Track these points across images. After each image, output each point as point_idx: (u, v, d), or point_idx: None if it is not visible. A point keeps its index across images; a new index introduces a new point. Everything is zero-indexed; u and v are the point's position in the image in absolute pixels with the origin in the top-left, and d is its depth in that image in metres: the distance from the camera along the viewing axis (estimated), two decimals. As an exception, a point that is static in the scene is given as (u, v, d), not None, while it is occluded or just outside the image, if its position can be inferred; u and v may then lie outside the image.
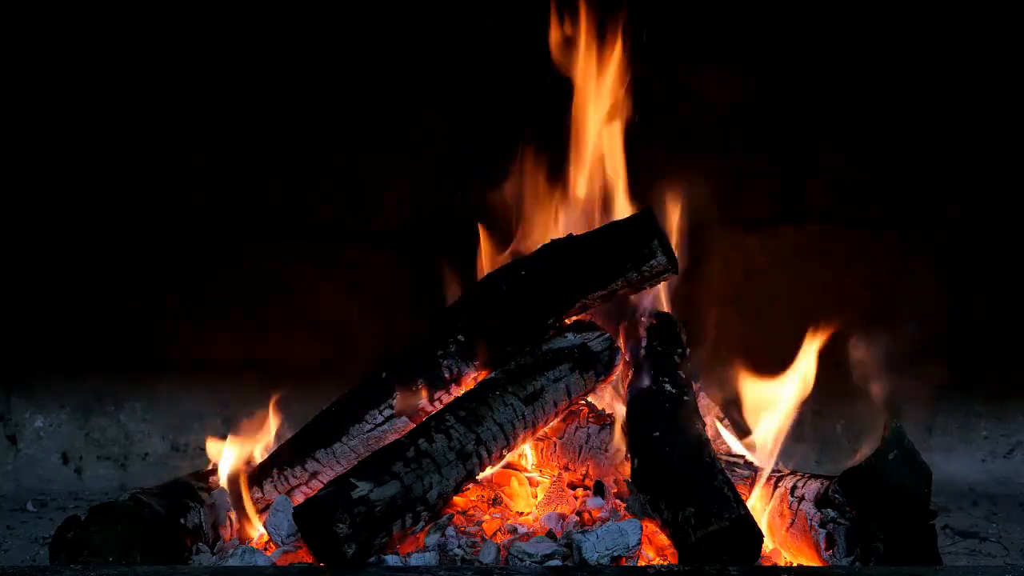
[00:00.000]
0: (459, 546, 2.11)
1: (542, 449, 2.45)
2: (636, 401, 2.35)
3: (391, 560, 2.02)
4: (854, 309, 2.96)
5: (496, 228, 2.67)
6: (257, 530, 2.29)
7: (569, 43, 2.70)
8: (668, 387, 2.34)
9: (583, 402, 2.44)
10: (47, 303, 3.23)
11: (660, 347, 2.49)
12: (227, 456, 2.36)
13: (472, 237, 2.67)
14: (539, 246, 2.54)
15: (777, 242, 3.27)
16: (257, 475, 2.35)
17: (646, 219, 2.39)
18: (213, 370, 3.23)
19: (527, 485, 2.39)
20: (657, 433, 2.18)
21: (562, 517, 2.24)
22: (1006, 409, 3.30)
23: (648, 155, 2.69)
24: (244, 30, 3.16)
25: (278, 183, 3.23)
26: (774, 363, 2.76)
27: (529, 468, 2.46)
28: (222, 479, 2.31)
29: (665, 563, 2.09)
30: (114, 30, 3.14)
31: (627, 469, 2.27)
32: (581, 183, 2.66)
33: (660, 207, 2.56)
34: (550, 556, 2.04)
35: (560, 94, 2.70)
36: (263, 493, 2.33)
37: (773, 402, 2.40)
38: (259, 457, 2.43)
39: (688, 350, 2.57)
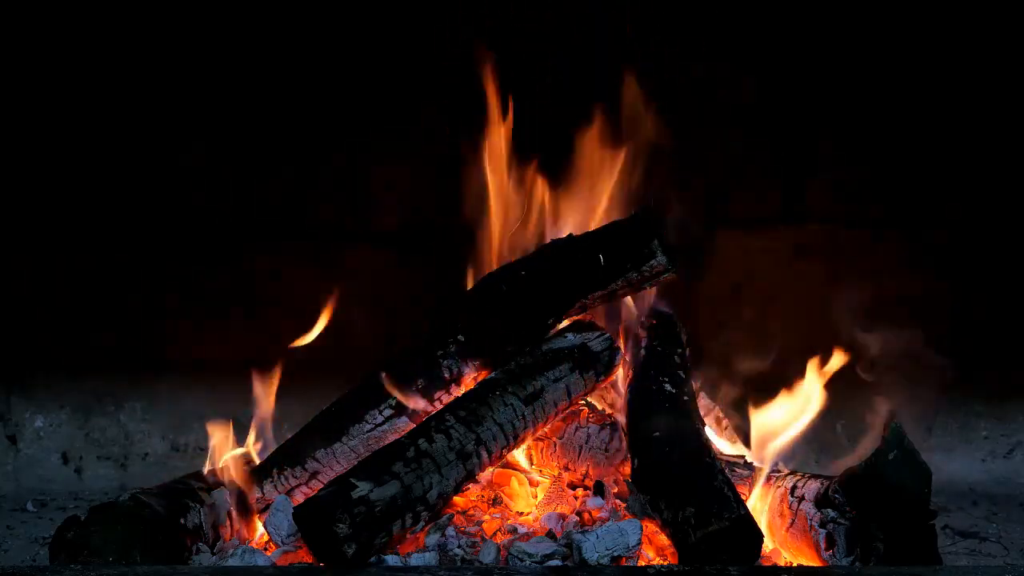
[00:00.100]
0: (459, 546, 2.11)
1: (542, 449, 2.45)
2: (636, 401, 2.35)
3: (391, 560, 2.02)
4: (854, 309, 2.97)
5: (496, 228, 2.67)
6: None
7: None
8: (668, 387, 2.34)
9: (583, 402, 2.44)
10: (47, 303, 3.23)
11: (660, 347, 2.49)
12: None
13: (472, 237, 2.67)
14: (540, 246, 2.55)
15: (777, 242, 3.27)
16: (257, 475, 2.35)
17: (646, 219, 2.39)
18: (213, 370, 3.23)
19: (527, 485, 2.39)
20: (657, 433, 2.18)
21: (562, 517, 2.24)
22: (1006, 409, 3.30)
23: (648, 155, 2.68)
24: (244, 30, 3.16)
25: (278, 183, 3.23)
26: (774, 363, 2.77)
27: (529, 468, 2.46)
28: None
29: (665, 563, 2.09)
30: (114, 30, 3.14)
31: (627, 469, 2.27)
32: (582, 183, 2.66)
33: (659, 208, 2.56)
34: (550, 556, 2.04)
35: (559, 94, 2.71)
36: (263, 493, 2.33)
37: (779, 420, 2.40)
38: (256, 455, 2.44)
39: (688, 350, 2.57)
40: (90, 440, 3.26)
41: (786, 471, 2.30)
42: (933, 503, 2.01)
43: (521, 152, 2.73)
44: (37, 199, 3.21)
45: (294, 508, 2.07)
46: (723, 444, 2.56)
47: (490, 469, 2.29)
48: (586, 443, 2.40)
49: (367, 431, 2.34)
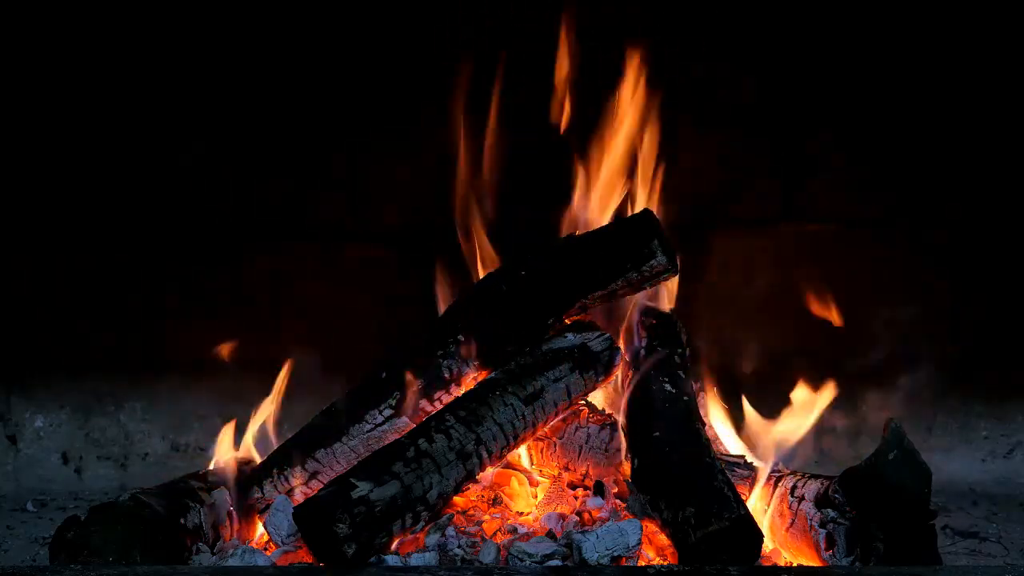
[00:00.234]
0: (459, 546, 2.11)
1: (542, 449, 2.45)
2: (636, 401, 2.35)
3: (391, 560, 2.02)
4: (854, 309, 2.97)
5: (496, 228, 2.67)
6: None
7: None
8: (668, 387, 2.34)
9: (583, 402, 2.44)
10: (47, 303, 3.23)
11: (660, 347, 2.49)
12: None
13: (472, 237, 2.68)
14: (540, 246, 2.55)
15: (777, 242, 3.26)
16: (257, 475, 2.35)
17: (646, 219, 2.39)
18: (213, 370, 3.22)
19: (527, 485, 2.39)
20: (657, 433, 2.18)
21: (562, 517, 2.24)
22: (1006, 409, 3.30)
23: (647, 155, 2.68)
24: (244, 30, 3.15)
25: (278, 183, 3.23)
26: (774, 363, 2.77)
27: (529, 468, 2.46)
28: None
29: (665, 563, 2.09)
30: (114, 30, 3.14)
31: (627, 469, 2.27)
32: (583, 184, 2.66)
33: (659, 207, 2.57)
34: (550, 556, 2.04)
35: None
36: (263, 493, 2.33)
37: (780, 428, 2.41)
38: (257, 455, 2.44)
39: (688, 350, 2.57)
40: (90, 440, 3.26)
41: (786, 471, 2.30)
42: (933, 503, 2.01)
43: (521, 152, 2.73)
44: (37, 199, 3.21)
45: (294, 508, 2.07)
46: (723, 444, 2.55)
47: (490, 469, 2.29)
48: (586, 443, 2.40)
49: (367, 431, 2.34)
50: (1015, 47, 3.15)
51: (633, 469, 2.19)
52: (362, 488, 2.00)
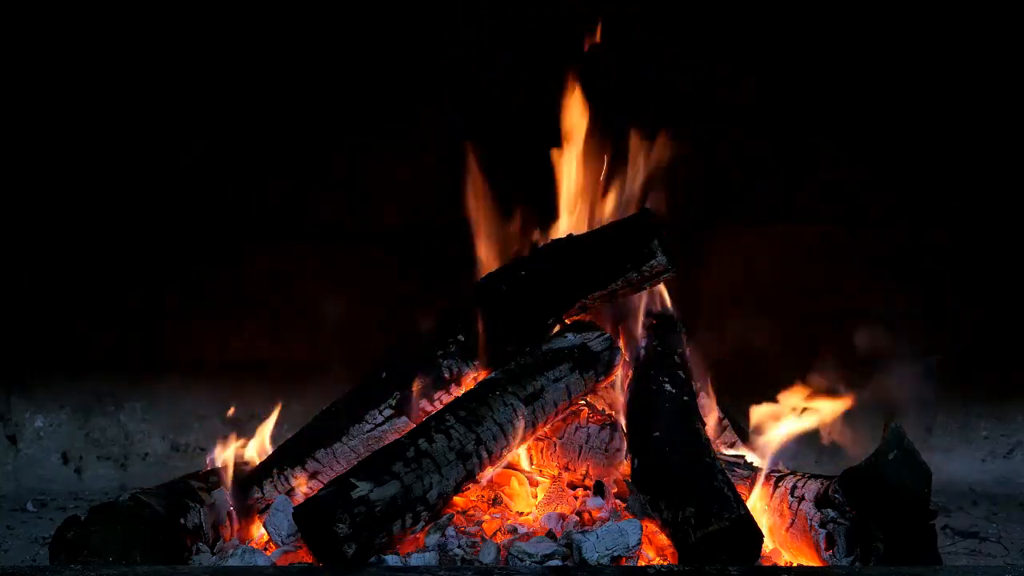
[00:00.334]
0: (459, 546, 2.11)
1: (542, 449, 2.45)
2: (636, 401, 2.35)
3: (391, 560, 2.02)
4: (854, 309, 2.97)
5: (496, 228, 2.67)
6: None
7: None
8: (668, 387, 2.34)
9: (583, 402, 2.44)
10: (47, 303, 3.23)
11: (660, 347, 2.49)
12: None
13: (472, 237, 2.67)
14: (539, 246, 2.55)
15: (777, 242, 3.26)
16: (257, 475, 2.35)
17: (646, 219, 2.39)
18: (213, 370, 3.23)
19: (527, 485, 2.39)
20: (657, 433, 2.18)
21: (562, 517, 2.24)
22: (1006, 409, 3.30)
23: (647, 155, 2.68)
24: (244, 30, 3.16)
25: (278, 183, 3.23)
26: (774, 363, 2.77)
27: (529, 468, 2.46)
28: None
29: (665, 563, 2.09)
30: (114, 30, 3.14)
31: (627, 469, 2.27)
32: (581, 183, 2.66)
33: (659, 207, 2.56)
34: (550, 556, 2.04)
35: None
36: (263, 493, 2.33)
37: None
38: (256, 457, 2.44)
39: (688, 350, 2.57)
40: (90, 440, 3.26)
41: (786, 471, 2.30)
42: (933, 503, 2.01)
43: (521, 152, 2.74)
44: (37, 199, 3.21)
45: (294, 508, 2.07)
46: (723, 444, 2.55)
47: (490, 469, 2.29)
48: (586, 443, 2.40)
49: (367, 431, 2.34)
50: (1015, 48, 3.15)
51: (633, 469, 2.19)
52: (362, 488, 2.00)
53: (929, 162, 3.21)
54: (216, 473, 2.36)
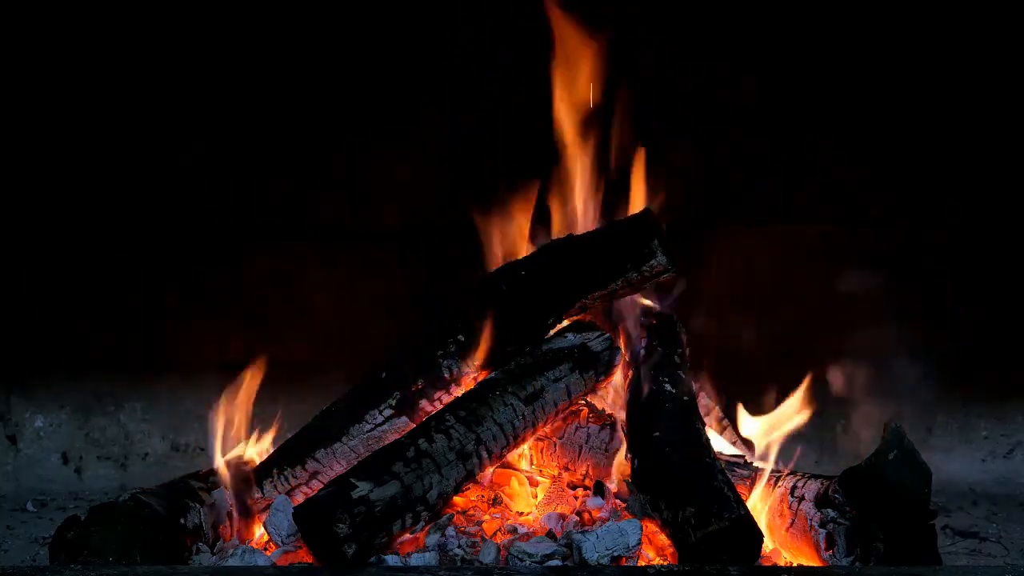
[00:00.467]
0: (459, 546, 2.11)
1: (542, 449, 2.45)
2: (636, 401, 2.35)
3: (391, 560, 2.02)
4: (854, 309, 2.97)
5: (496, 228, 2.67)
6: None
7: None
8: (668, 387, 2.34)
9: (583, 402, 2.44)
10: (47, 303, 3.23)
11: (660, 347, 2.49)
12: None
13: (472, 237, 2.67)
14: (539, 246, 2.54)
15: (777, 242, 3.27)
16: (257, 475, 2.35)
17: (646, 219, 2.39)
18: (213, 370, 3.22)
19: (527, 485, 2.39)
20: (657, 433, 2.18)
21: (562, 517, 2.24)
22: (1006, 409, 3.30)
23: (647, 155, 2.68)
24: (244, 30, 3.16)
25: (278, 183, 3.23)
26: (774, 362, 2.77)
27: (529, 468, 2.46)
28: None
29: (665, 563, 2.09)
30: (115, 30, 3.14)
31: (627, 469, 2.27)
32: (580, 183, 2.66)
33: (658, 207, 2.56)
34: (550, 556, 2.04)
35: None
36: (263, 493, 2.33)
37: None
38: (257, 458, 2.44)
39: (688, 350, 2.57)
40: (90, 440, 3.26)
41: (786, 471, 2.30)
42: (933, 503, 2.01)
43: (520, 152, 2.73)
44: (37, 199, 3.21)
45: (294, 508, 2.07)
46: (723, 444, 2.55)
47: (490, 469, 2.29)
48: (586, 443, 2.40)
49: (367, 431, 2.34)
50: (1014, 48, 3.15)
51: (633, 469, 2.19)
52: (362, 488, 2.00)
53: (929, 162, 3.21)
54: (216, 473, 2.36)
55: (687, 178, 3.13)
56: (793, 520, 2.14)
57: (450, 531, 2.14)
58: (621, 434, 2.36)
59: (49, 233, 3.22)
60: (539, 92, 2.70)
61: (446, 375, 2.38)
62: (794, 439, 2.45)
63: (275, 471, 2.34)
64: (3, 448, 3.23)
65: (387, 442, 2.23)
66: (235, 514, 2.29)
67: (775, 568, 2.06)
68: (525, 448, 2.43)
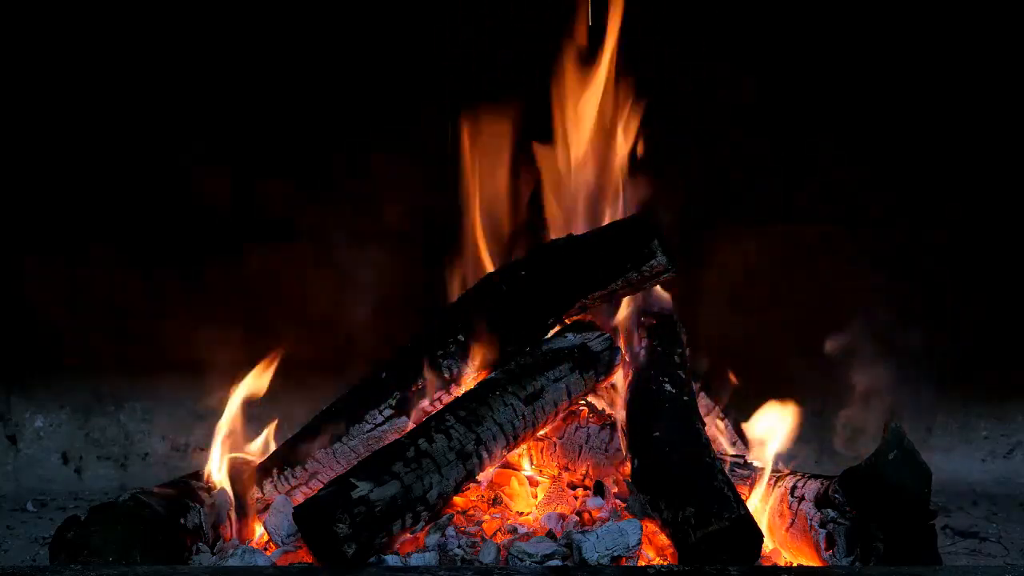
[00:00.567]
0: (459, 546, 2.11)
1: (542, 449, 2.45)
2: (636, 401, 2.34)
3: (391, 560, 2.02)
4: (854, 309, 2.97)
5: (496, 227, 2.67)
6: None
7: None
8: (668, 387, 2.34)
9: (583, 402, 2.44)
10: (47, 303, 3.23)
11: (660, 347, 2.49)
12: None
13: (472, 237, 2.68)
14: (539, 246, 2.55)
15: (777, 242, 3.27)
16: (257, 475, 2.35)
17: (646, 219, 2.39)
18: (213, 370, 3.22)
19: (527, 485, 2.39)
20: (657, 433, 2.18)
21: (562, 517, 2.24)
22: (1006, 409, 3.30)
23: (648, 154, 2.68)
24: (245, 31, 3.16)
25: (278, 183, 3.23)
26: (774, 362, 2.77)
27: (529, 468, 2.46)
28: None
29: (665, 563, 2.09)
30: (115, 31, 3.14)
31: (627, 469, 2.27)
32: (580, 183, 2.66)
33: (659, 207, 2.56)
34: (550, 556, 2.04)
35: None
36: (263, 493, 2.33)
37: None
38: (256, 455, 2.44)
39: (688, 350, 2.57)
40: (90, 440, 3.26)
41: (786, 471, 2.30)
42: (933, 503, 2.01)
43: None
44: (38, 200, 3.21)
45: (294, 508, 2.07)
46: (723, 444, 2.56)
47: (490, 469, 2.29)
48: (586, 443, 2.40)
49: (367, 431, 2.34)
50: (1014, 48, 3.15)
51: (633, 469, 2.19)
52: (362, 488, 2.00)
53: (929, 162, 3.21)
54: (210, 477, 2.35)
55: (687, 178, 3.13)
56: (793, 520, 2.14)
57: (450, 531, 2.14)
58: (621, 434, 2.36)
59: (49, 233, 3.22)
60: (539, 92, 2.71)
61: (446, 375, 2.38)
62: (794, 439, 2.44)
63: (275, 471, 2.35)
64: (3, 448, 3.23)
65: (387, 442, 2.23)
66: (235, 514, 2.29)
67: (775, 568, 2.06)
68: (525, 448, 2.43)
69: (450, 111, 2.89)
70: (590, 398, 2.48)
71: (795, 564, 2.13)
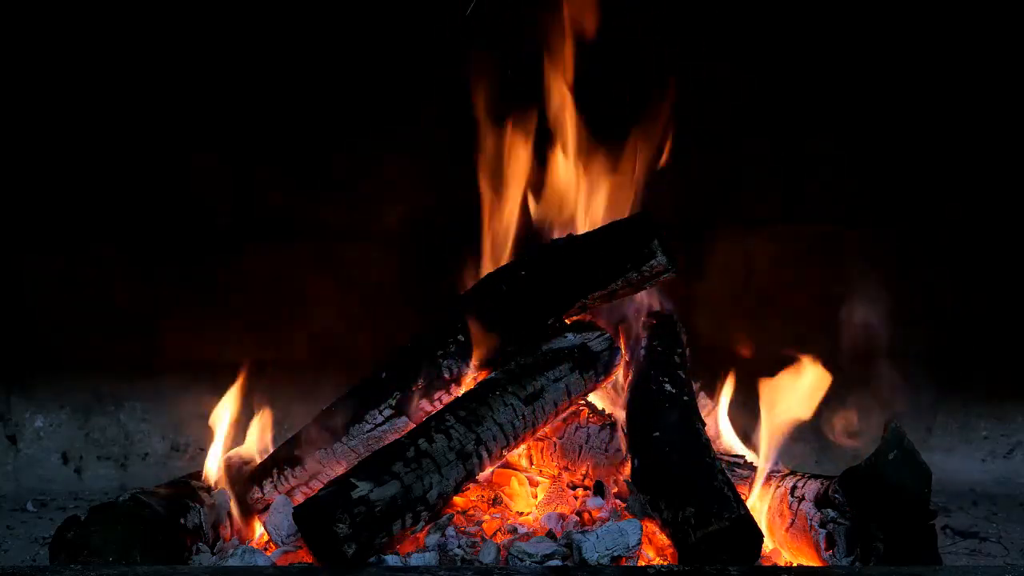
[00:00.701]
0: (459, 546, 2.11)
1: (542, 449, 2.45)
2: (636, 401, 2.34)
3: (391, 560, 2.02)
4: (854, 309, 2.97)
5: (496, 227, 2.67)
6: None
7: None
8: (668, 387, 2.33)
9: (583, 402, 2.44)
10: (47, 303, 3.23)
11: (660, 347, 2.49)
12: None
13: (472, 237, 2.67)
14: (539, 246, 2.54)
15: (777, 242, 3.27)
16: (257, 475, 2.35)
17: (646, 219, 2.39)
18: (213, 370, 3.22)
19: (527, 485, 2.39)
20: (657, 433, 2.18)
21: (562, 517, 2.24)
22: (1006, 409, 3.30)
23: (648, 154, 2.68)
24: (245, 31, 3.16)
25: (278, 183, 3.23)
26: (773, 363, 2.76)
27: (529, 468, 2.46)
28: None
29: (665, 563, 2.09)
30: (116, 31, 3.14)
31: (627, 469, 2.27)
32: (580, 184, 2.66)
33: (659, 207, 2.56)
34: (550, 556, 2.04)
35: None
36: (263, 493, 2.33)
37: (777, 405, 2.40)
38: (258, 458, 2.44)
39: (688, 350, 2.57)
40: (90, 440, 3.26)
41: (786, 471, 2.30)
42: (933, 503, 2.01)
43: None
44: (38, 199, 3.21)
45: (294, 508, 2.07)
46: (723, 444, 2.55)
47: (490, 469, 2.29)
48: (586, 443, 2.40)
49: (367, 431, 2.34)
50: (1014, 48, 3.15)
51: (633, 469, 2.19)
52: (362, 488, 2.00)
53: (929, 162, 3.21)
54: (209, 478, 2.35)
55: (687, 178, 3.13)
56: (793, 520, 2.14)
57: (450, 531, 2.14)
58: (621, 434, 2.36)
59: (49, 233, 3.22)
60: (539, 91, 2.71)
61: (446, 375, 2.38)
62: (794, 439, 2.44)
63: (275, 471, 2.34)
64: (3, 448, 3.23)
65: (387, 442, 2.23)
66: (235, 514, 2.29)
67: (775, 568, 2.06)
68: (525, 448, 2.43)
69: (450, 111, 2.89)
70: (590, 398, 2.48)
71: (795, 564, 2.13)
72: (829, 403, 2.46)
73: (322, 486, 2.15)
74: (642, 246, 2.33)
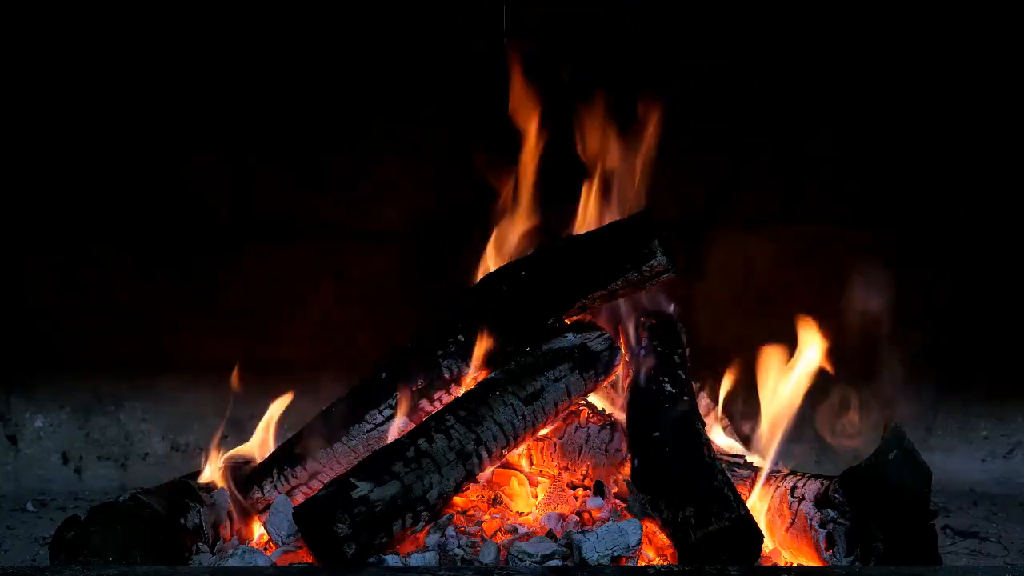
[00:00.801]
0: (459, 546, 2.11)
1: (542, 449, 2.45)
2: (636, 401, 2.34)
3: (391, 560, 2.02)
4: (853, 309, 2.96)
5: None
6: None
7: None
8: (668, 387, 2.34)
9: (583, 402, 2.44)
10: (47, 303, 3.23)
11: (660, 347, 2.49)
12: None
13: (472, 237, 2.67)
14: (539, 246, 2.55)
15: (777, 242, 3.27)
16: (257, 475, 2.35)
17: (646, 219, 2.39)
18: (213, 370, 3.22)
19: (527, 485, 2.39)
20: (657, 433, 2.18)
21: (562, 517, 2.24)
22: (1006, 409, 3.30)
23: (647, 155, 2.68)
24: (245, 31, 3.16)
25: (278, 183, 3.23)
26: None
27: (529, 468, 2.46)
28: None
29: (665, 563, 2.09)
30: (116, 31, 3.14)
31: (627, 469, 2.27)
32: (582, 184, 2.66)
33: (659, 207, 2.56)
34: (550, 556, 2.04)
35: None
36: (263, 493, 2.33)
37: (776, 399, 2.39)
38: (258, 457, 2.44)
39: (688, 350, 2.57)
40: (90, 440, 3.26)
41: (786, 471, 2.30)
42: (933, 503, 2.01)
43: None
44: (37, 199, 3.21)
45: (294, 508, 2.07)
46: (724, 444, 2.55)
47: (490, 469, 2.29)
48: (586, 443, 2.40)
49: (367, 431, 2.34)
50: (1014, 48, 3.15)
51: (633, 469, 2.19)
52: (362, 488, 2.00)
53: (929, 162, 3.22)
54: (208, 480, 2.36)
55: (687, 178, 3.14)
56: (793, 520, 2.14)
57: (450, 531, 2.14)
58: (621, 434, 2.36)
59: (49, 233, 3.22)
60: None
61: (446, 375, 2.38)
62: (794, 439, 2.44)
63: (275, 471, 2.34)
64: (3, 448, 3.23)
65: (387, 442, 2.23)
66: (235, 514, 2.29)
67: (775, 568, 2.06)
68: (525, 448, 2.43)
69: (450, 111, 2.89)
70: (590, 398, 2.48)
71: (795, 564, 2.13)
72: (829, 403, 2.47)
73: (322, 486, 2.15)
74: (642, 246, 2.34)
